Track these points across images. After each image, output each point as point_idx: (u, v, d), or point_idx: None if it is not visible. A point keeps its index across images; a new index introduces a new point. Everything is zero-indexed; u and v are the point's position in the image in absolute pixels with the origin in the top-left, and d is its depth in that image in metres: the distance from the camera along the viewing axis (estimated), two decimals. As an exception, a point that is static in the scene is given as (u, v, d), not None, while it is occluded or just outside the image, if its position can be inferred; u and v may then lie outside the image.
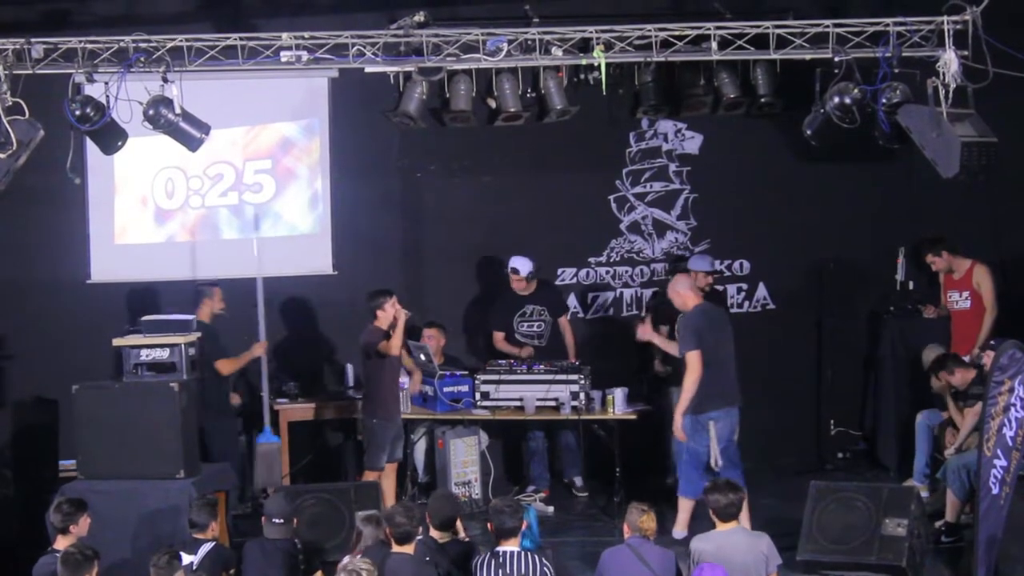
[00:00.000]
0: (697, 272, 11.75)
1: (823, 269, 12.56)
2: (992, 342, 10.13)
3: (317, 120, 12.10)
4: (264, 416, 11.45)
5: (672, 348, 10.84)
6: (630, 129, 12.65)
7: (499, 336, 12.07)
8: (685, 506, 10.42)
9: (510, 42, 9.91)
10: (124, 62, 9.52)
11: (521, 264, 11.85)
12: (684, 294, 10.55)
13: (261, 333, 11.44)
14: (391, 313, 10.64)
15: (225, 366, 11.25)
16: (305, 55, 9.74)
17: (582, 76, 11.65)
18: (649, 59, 10.17)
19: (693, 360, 10.26)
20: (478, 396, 11.45)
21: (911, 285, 12.40)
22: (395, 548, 8.04)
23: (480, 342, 12.47)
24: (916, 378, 11.73)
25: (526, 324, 12.01)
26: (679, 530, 10.36)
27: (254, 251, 11.66)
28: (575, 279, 12.60)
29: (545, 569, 7.94)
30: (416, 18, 10.16)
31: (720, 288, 12.47)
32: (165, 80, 9.50)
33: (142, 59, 9.53)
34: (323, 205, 12.11)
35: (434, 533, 8.56)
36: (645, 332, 11.01)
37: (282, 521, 8.62)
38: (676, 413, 10.36)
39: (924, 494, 10.44)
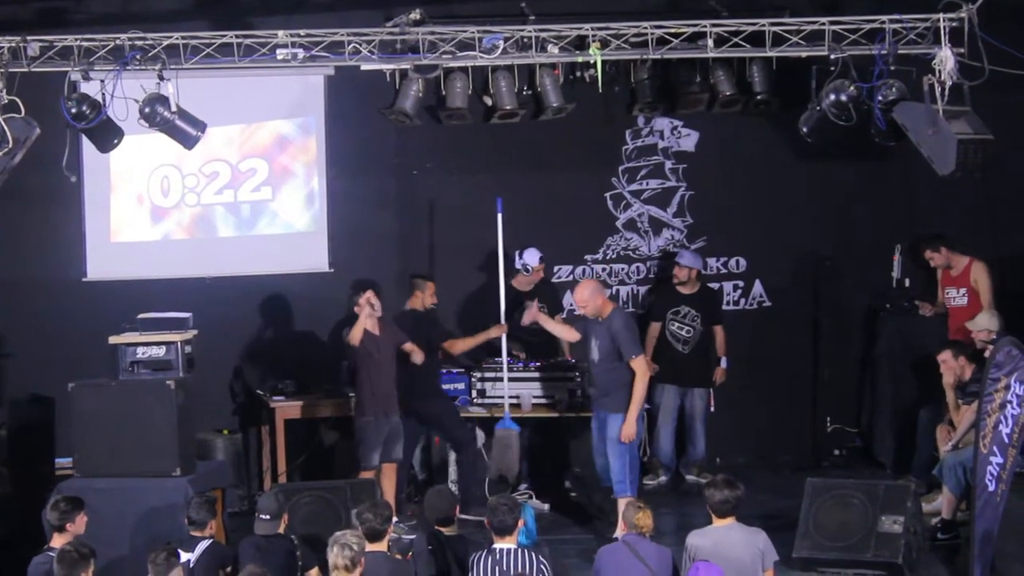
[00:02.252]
0: (683, 266, 11.90)
1: (819, 266, 12.56)
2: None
3: (313, 118, 12.11)
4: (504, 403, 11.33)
5: (560, 330, 10.88)
6: (626, 126, 12.64)
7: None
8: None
9: (506, 40, 9.91)
10: (120, 60, 9.51)
11: (531, 257, 11.82)
12: (603, 299, 10.44)
13: (501, 315, 11.35)
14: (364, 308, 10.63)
15: (456, 345, 11.25)
16: (301, 53, 9.74)
17: (578, 73, 11.68)
18: (645, 56, 10.18)
19: (641, 365, 10.28)
20: (474, 393, 11.45)
21: (907, 282, 12.41)
22: (368, 547, 8.05)
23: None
24: (913, 375, 11.74)
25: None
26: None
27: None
28: (571, 276, 12.58)
29: (542, 566, 7.94)
30: (412, 16, 10.17)
31: (716, 285, 12.50)
32: (161, 78, 9.50)
33: (138, 57, 9.53)
34: (319, 203, 12.13)
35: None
36: (532, 314, 10.91)
37: (268, 517, 8.53)
38: (630, 417, 10.20)
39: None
